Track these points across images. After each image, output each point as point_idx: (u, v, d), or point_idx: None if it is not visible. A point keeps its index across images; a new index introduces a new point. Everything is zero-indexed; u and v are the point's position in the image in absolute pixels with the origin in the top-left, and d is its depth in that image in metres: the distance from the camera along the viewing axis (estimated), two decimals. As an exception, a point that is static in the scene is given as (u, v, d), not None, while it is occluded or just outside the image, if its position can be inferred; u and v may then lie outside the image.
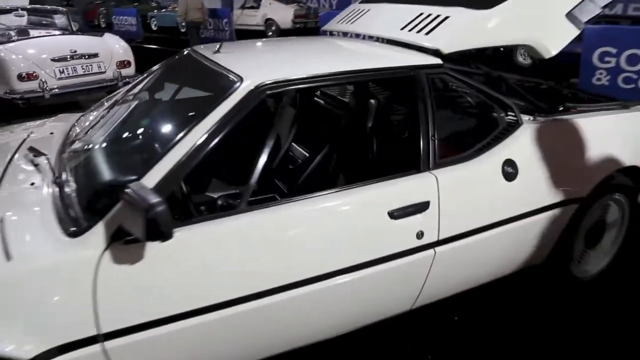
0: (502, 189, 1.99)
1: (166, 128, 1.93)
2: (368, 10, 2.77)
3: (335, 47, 2.35)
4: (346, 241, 1.71)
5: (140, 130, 1.97)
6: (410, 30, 2.28)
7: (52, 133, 2.54)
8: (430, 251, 1.86)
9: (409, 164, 1.87)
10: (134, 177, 1.50)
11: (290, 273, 1.64)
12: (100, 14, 18.47)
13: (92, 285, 1.41)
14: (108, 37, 6.47)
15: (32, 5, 7.34)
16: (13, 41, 5.79)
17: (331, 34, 3.54)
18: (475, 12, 2.15)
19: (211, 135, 1.57)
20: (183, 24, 9.23)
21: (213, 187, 2.52)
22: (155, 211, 1.28)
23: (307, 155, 2.55)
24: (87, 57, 5.85)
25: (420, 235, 1.81)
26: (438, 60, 2.03)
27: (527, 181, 2.04)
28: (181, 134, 1.56)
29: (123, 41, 6.44)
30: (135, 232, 1.36)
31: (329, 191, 1.71)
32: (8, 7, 6.93)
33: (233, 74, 1.80)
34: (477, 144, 2.00)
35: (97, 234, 1.45)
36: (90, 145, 1.99)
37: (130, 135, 1.99)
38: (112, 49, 6.15)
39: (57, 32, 6.69)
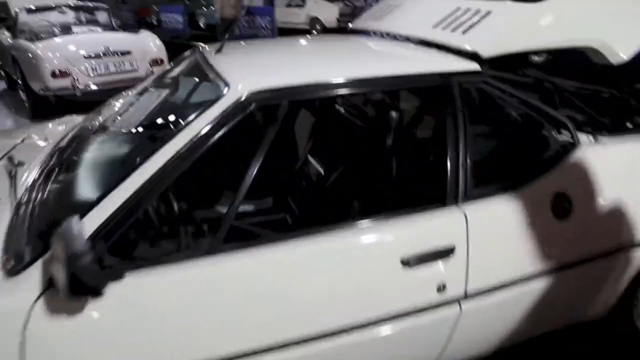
0: (552, 230, 1.58)
1: (132, 150, 1.61)
2: (400, 5, 2.41)
3: (353, 49, 2.00)
4: (346, 294, 1.37)
5: (113, 149, 1.68)
6: (443, 29, 1.90)
7: (46, 138, 2.34)
8: (454, 307, 1.48)
9: (432, 195, 1.50)
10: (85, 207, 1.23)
11: (274, 333, 1.32)
12: (153, 11, 18.83)
13: (20, 340, 1.14)
14: (143, 34, 6.36)
15: (75, 3, 7.37)
16: (48, 38, 5.76)
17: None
18: (524, 7, 1.75)
19: (180, 161, 1.27)
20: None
21: (224, 202, 2.23)
22: (77, 264, 0.99)
23: (322, 172, 2.21)
24: (119, 54, 5.75)
25: (441, 287, 1.44)
26: (475, 66, 1.65)
27: (585, 219, 1.62)
28: (137, 163, 1.27)
29: (157, 39, 6.31)
30: (58, 283, 1.08)
31: (323, 230, 1.37)
32: (53, 5, 6.99)
33: (221, 80, 1.50)
34: (521, 172, 1.60)
35: (33, 275, 1.19)
36: (64, 161, 1.74)
37: (103, 153, 1.70)
38: (145, 47, 6.03)
39: (98, 29, 6.68)
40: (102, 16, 7.19)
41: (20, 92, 6.15)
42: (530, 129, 1.73)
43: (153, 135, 1.51)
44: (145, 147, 1.38)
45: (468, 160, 1.51)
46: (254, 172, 1.33)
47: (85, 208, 1.22)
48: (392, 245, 1.41)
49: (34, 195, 1.57)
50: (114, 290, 1.18)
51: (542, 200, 1.57)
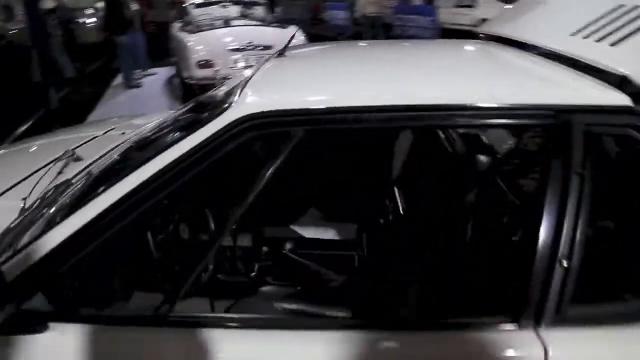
0: None
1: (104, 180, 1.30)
2: (540, 4, 1.78)
3: (437, 63, 1.45)
4: None
5: (106, 171, 1.41)
6: (585, 38, 1.27)
7: (123, 132, 2.26)
8: None
9: (498, 305, 0.94)
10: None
11: None
12: (322, 8, 19.41)
13: None
14: (289, 29, 6.37)
15: (237, -3, 7.74)
16: (201, 31, 6.08)
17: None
18: None
19: (137, 202, 0.97)
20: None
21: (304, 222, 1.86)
22: None
23: (400, 215, 1.69)
24: (261, 48, 5.81)
25: None
26: (621, 98, 1.01)
27: None
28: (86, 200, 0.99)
29: (303, 35, 6.26)
30: None
31: (310, 325, 0.93)
32: (217, 0, 7.45)
33: (236, 93, 1.15)
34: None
35: None
36: (67, 179, 1.54)
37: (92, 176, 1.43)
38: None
39: (251, 23, 6.89)
40: (259, 11, 7.43)
41: (177, 79, 6.67)
42: None
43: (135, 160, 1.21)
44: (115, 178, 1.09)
45: (575, 256, 0.91)
46: (236, 221, 0.96)
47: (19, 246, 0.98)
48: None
49: (39, 211, 1.40)
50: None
51: None
